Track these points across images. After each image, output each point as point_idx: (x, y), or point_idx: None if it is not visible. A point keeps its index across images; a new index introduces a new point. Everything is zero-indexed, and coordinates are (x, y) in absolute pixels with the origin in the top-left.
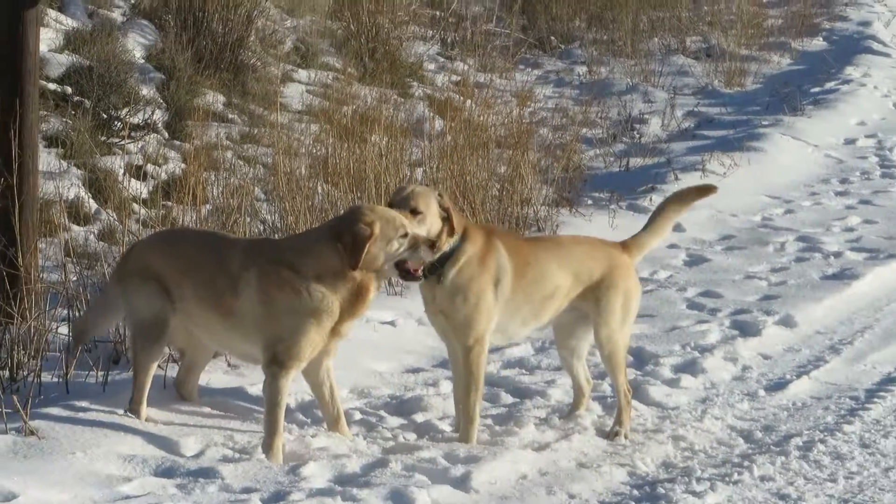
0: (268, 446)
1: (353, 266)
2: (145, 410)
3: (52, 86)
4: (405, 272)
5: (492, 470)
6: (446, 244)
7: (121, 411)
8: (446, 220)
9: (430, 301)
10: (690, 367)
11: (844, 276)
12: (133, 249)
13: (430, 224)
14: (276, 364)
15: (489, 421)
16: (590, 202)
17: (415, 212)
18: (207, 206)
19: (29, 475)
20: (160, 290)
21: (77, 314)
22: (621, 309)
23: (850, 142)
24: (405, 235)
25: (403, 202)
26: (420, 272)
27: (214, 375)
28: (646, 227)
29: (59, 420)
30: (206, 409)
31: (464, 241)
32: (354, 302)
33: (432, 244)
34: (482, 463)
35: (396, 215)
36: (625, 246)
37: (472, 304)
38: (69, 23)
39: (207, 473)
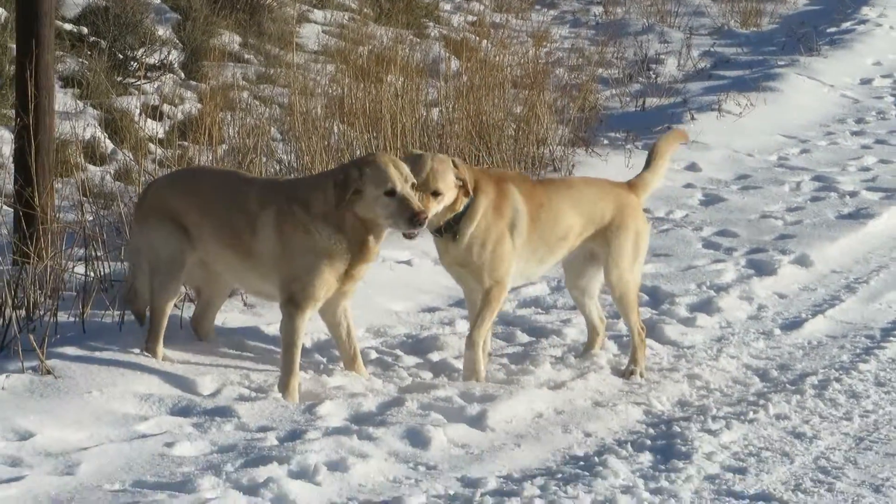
0: (284, 385)
1: (335, 205)
2: (161, 350)
3: (68, 26)
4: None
5: (508, 409)
6: (461, 204)
7: (137, 351)
8: (461, 186)
9: (445, 253)
10: (706, 307)
11: (860, 215)
12: (150, 189)
13: (447, 198)
14: (291, 304)
15: (504, 360)
16: (605, 142)
17: (436, 193)
18: (223, 146)
19: (45, 414)
20: (177, 229)
21: (94, 254)
22: (632, 249)
23: (865, 82)
24: (391, 193)
25: (424, 185)
26: (414, 235)
27: (231, 315)
28: (647, 167)
29: (76, 359)
30: (223, 349)
31: (477, 196)
32: (361, 247)
33: (416, 216)
34: (498, 402)
35: (390, 171)
36: (631, 186)
37: (491, 252)
38: None
39: (223, 412)
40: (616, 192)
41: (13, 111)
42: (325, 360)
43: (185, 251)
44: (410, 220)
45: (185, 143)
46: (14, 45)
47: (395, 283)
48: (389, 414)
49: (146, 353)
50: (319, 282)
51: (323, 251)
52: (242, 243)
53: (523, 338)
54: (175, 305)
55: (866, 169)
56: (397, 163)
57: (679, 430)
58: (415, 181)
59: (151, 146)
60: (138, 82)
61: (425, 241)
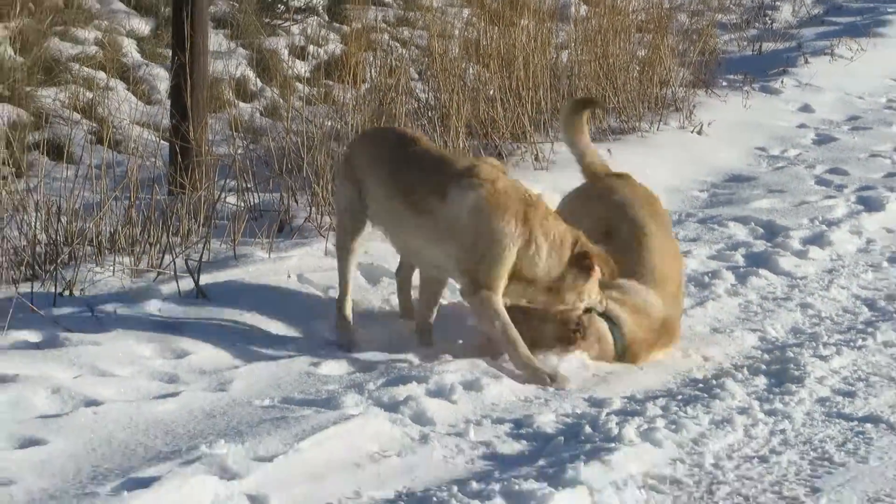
0: (524, 367)
1: (537, 275)
2: (350, 305)
3: None
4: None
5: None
6: None
7: (286, 276)
8: None
9: None
10: (818, 240)
11: None
12: (348, 146)
13: None
14: (480, 287)
15: None
16: (724, 84)
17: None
18: (365, 85)
19: (200, 334)
20: (356, 187)
21: (244, 185)
22: None
23: None
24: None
25: None
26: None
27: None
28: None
29: (227, 283)
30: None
31: None
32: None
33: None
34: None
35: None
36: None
37: None
38: None
39: (364, 337)
40: None
41: (170, 50)
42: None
43: (361, 208)
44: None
45: (330, 83)
46: None
47: None
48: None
49: (337, 308)
50: (502, 269)
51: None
52: (428, 207)
53: None
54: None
55: None
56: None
57: (792, 355)
58: None
59: (298, 84)
60: (285, 24)
61: (554, 176)
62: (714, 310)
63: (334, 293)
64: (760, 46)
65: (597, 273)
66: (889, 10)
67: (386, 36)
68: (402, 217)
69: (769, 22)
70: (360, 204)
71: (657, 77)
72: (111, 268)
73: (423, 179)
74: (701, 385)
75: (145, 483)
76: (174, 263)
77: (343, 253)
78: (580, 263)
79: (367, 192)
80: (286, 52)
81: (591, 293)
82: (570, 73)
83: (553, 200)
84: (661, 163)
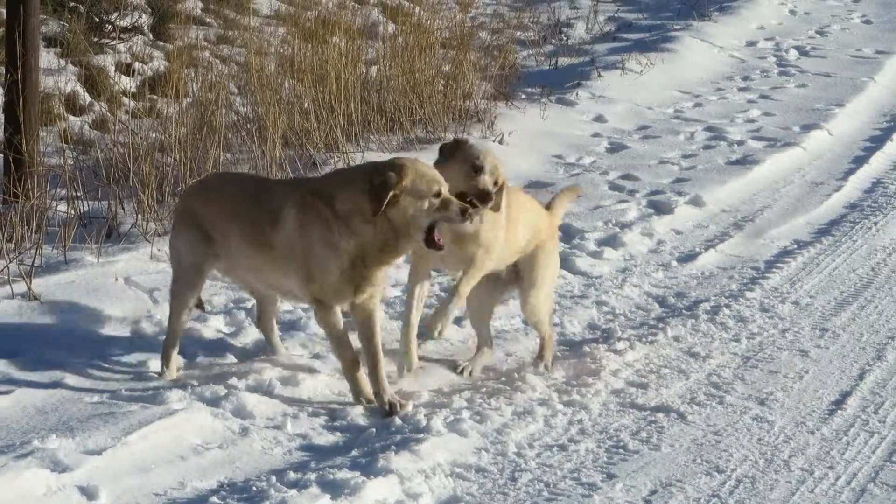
0: (348, 375)
1: (373, 211)
2: (175, 360)
3: None
4: (430, 240)
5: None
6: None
7: (112, 280)
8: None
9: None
10: (612, 241)
11: (746, 161)
12: (182, 195)
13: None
14: (316, 302)
15: (436, 288)
16: (524, 96)
17: (497, 183)
18: (188, 99)
19: (31, 335)
20: (203, 237)
21: (74, 194)
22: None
23: (751, 44)
24: (438, 195)
25: (492, 174)
26: (443, 242)
27: None
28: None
29: (59, 287)
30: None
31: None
32: (383, 250)
33: (464, 210)
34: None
35: (434, 174)
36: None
37: (495, 237)
38: None
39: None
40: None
41: (3, 68)
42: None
43: (209, 260)
44: (462, 212)
45: (155, 97)
46: (3, 10)
47: None
48: None
49: (161, 366)
50: (333, 277)
51: (335, 246)
52: (264, 238)
53: None
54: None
55: (752, 121)
56: (426, 164)
57: (588, 350)
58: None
59: (125, 99)
60: (112, 42)
61: None
62: (515, 307)
63: (158, 295)
64: (556, 61)
65: (405, 180)
66: (676, 27)
67: (207, 53)
68: (251, 254)
69: (565, 39)
70: (207, 255)
71: (461, 90)
72: None
73: (259, 211)
74: (503, 378)
75: None
76: (8, 268)
77: (180, 308)
78: (379, 182)
79: (217, 240)
80: (113, 68)
81: (419, 205)
82: (379, 86)
83: None
84: None
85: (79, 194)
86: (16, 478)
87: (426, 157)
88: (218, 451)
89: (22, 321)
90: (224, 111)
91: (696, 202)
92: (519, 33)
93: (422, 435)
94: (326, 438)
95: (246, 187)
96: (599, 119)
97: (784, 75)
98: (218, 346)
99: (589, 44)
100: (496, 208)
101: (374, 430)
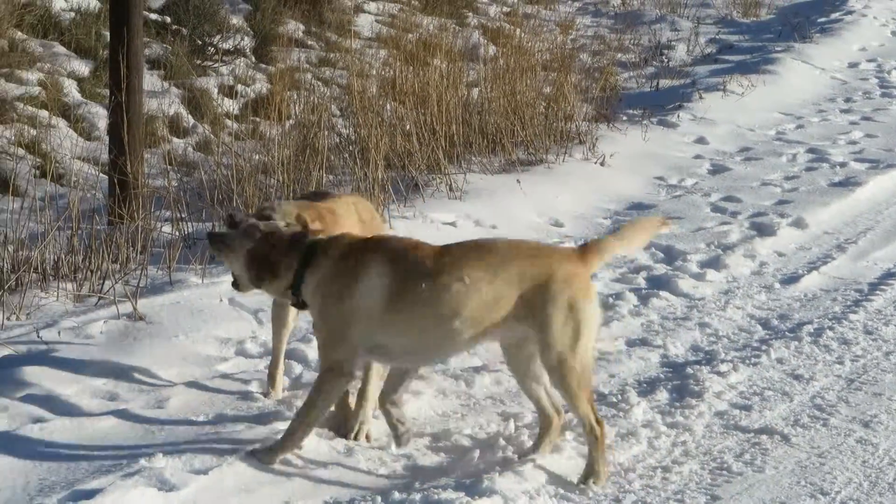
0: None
1: None
2: (281, 380)
3: (153, 16)
4: None
5: None
6: None
7: (217, 300)
8: None
9: None
10: (714, 263)
11: (849, 183)
12: None
13: None
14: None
15: None
16: (625, 118)
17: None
18: (290, 121)
19: (138, 355)
20: None
21: (178, 215)
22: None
23: (853, 65)
24: None
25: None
26: None
27: None
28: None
29: (164, 307)
30: None
31: None
32: None
33: None
34: None
35: None
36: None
37: None
38: None
39: (293, 355)
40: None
41: (108, 90)
42: None
43: None
44: None
45: (257, 119)
46: (108, 33)
47: (441, 241)
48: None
49: (267, 386)
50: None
51: None
52: None
53: None
54: None
55: (854, 142)
56: None
57: (692, 371)
58: None
59: (227, 121)
60: (215, 65)
61: (469, 205)
62: (618, 329)
63: (263, 315)
64: (658, 83)
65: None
66: (777, 48)
67: (309, 75)
68: None
69: (665, 60)
70: None
71: (562, 112)
72: (55, 293)
73: None
74: (607, 400)
75: (89, 495)
76: (114, 289)
77: (280, 328)
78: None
79: None
80: (216, 90)
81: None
82: (480, 108)
83: (467, 228)
84: (566, 192)
85: (183, 215)
86: (123, 496)
87: (528, 179)
88: (323, 470)
89: (128, 341)
90: (326, 133)
91: (799, 224)
92: (620, 55)
93: (526, 456)
94: (430, 459)
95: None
96: (701, 141)
97: (886, 97)
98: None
99: (690, 65)
100: None
101: (477, 450)
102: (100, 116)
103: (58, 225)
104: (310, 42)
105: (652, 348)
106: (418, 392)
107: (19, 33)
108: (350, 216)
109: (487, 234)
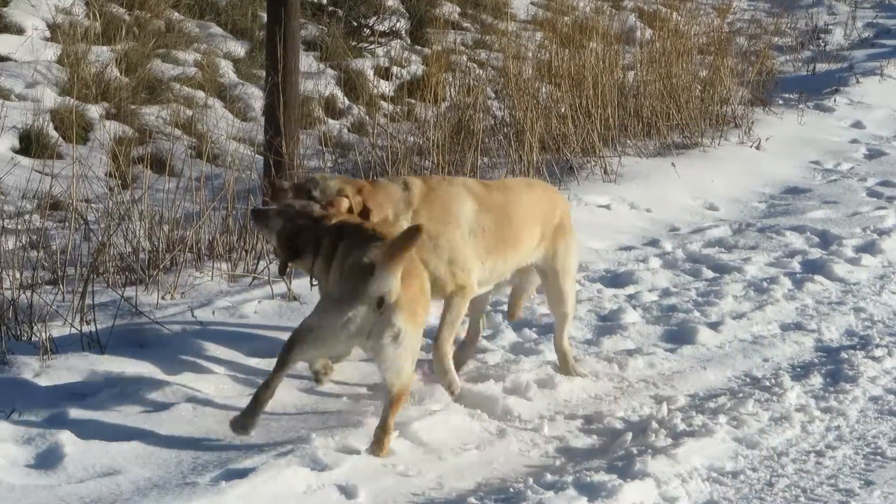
0: None
1: None
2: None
3: None
4: None
5: (696, 337)
6: None
7: None
8: None
9: None
10: (870, 248)
11: None
12: None
13: None
14: None
15: (693, 293)
16: (780, 102)
17: None
18: (445, 103)
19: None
20: None
21: None
22: None
23: None
24: None
25: None
26: None
27: None
28: None
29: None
30: None
31: None
32: None
33: None
34: (689, 333)
35: None
36: None
37: None
38: None
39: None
40: None
41: (263, 71)
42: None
43: None
44: None
45: (412, 101)
46: (264, 14)
47: (596, 224)
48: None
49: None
50: None
51: None
52: None
53: (708, 274)
54: None
55: None
56: None
57: (846, 356)
58: None
59: (382, 103)
60: (370, 46)
61: (622, 188)
62: (772, 313)
63: None
64: (814, 67)
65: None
66: None
67: (464, 58)
68: None
69: (822, 44)
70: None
71: (718, 96)
72: (209, 273)
73: None
74: (760, 384)
75: (242, 474)
76: (268, 269)
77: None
78: None
79: None
80: (371, 72)
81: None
82: (636, 92)
83: (621, 211)
84: (721, 175)
85: None
86: (277, 475)
87: (683, 163)
88: (475, 451)
89: (282, 322)
90: (481, 115)
91: None
92: (776, 39)
93: (678, 439)
94: (583, 441)
95: None
96: (857, 125)
97: None
98: (476, 348)
99: (847, 50)
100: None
101: (630, 433)
102: (255, 97)
103: (213, 205)
104: (465, 24)
105: (806, 332)
106: (576, 374)
107: (176, 14)
108: (395, 192)
109: (642, 217)
